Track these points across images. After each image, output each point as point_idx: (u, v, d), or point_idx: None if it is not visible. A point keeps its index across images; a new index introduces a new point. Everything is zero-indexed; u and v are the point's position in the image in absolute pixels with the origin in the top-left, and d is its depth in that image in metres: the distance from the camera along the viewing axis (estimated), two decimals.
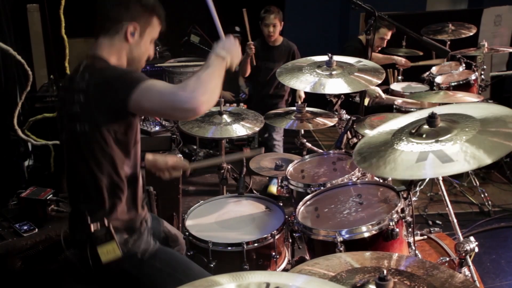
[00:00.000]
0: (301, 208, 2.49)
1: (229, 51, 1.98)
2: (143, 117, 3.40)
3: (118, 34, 1.93)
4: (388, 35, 4.95)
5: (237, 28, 5.59)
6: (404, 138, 2.00)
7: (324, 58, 3.09)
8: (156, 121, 3.49)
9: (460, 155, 1.78)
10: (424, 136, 1.95)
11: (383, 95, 4.89)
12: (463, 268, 2.32)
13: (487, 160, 1.71)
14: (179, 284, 1.20)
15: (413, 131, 2.00)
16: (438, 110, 2.11)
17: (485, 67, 4.68)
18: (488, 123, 1.90)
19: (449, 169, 1.78)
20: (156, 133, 3.43)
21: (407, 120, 2.16)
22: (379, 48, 5.04)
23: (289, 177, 2.83)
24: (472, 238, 2.30)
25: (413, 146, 1.92)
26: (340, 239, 2.13)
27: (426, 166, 1.80)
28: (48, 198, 2.76)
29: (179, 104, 1.73)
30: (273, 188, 4.42)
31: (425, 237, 2.95)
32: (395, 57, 5.38)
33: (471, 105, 2.11)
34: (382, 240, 2.15)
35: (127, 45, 1.95)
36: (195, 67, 4.84)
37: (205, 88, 1.77)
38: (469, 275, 2.41)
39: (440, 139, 1.90)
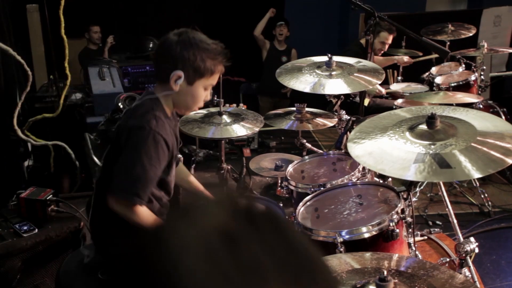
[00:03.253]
0: (301, 208, 2.48)
1: None
2: None
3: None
4: (389, 39, 4.94)
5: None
6: (402, 131, 2.02)
7: (324, 58, 3.10)
8: None
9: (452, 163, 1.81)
10: (420, 135, 1.98)
11: (383, 90, 4.91)
12: (464, 268, 2.31)
13: (476, 175, 1.79)
14: None
15: (412, 127, 2.03)
16: (439, 111, 2.12)
17: (484, 67, 4.68)
18: (486, 134, 1.92)
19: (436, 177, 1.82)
20: None
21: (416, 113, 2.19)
22: (381, 52, 5.03)
23: (289, 178, 2.83)
24: (472, 239, 2.29)
25: (407, 143, 1.94)
26: (340, 239, 2.13)
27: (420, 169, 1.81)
28: (48, 198, 2.76)
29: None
30: None
31: (425, 237, 2.94)
32: (396, 57, 5.39)
33: (473, 113, 2.12)
34: (382, 240, 2.15)
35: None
36: None
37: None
38: (470, 275, 2.41)
39: (435, 142, 1.92)
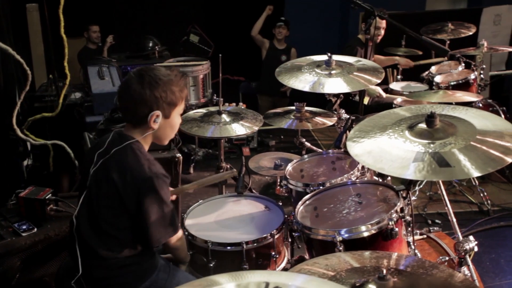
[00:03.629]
0: (300, 207, 2.49)
1: None
2: None
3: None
4: (383, 23, 4.92)
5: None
6: (401, 130, 2.02)
7: (324, 57, 3.10)
8: None
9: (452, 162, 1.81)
10: (419, 134, 1.98)
11: (384, 94, 4.90)
12: (463, 267, 2.31)
13: (475, 173, 1.79)
14: None
15: (411, 126, 2.03)
16: (438, 110, 2.12)
17: (484, 66, 4.68)
18: (485, 133, 1.92)
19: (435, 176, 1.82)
20: None
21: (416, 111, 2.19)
22: (379, 38, 5.00)
23: (288, 177, 2.82)
24: (471, 237, 2.29)
25: (406, 142, 1.95)
26: (339, 238, 2.13)
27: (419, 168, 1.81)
28: (47, 197, 2.75)
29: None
30: None
31: (425, 236, 2.94)
32: (397, 57, 5.39)
33: (472, 112, 2.12)
34: (382, 239, 2.15)
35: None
36: (194, 66, 4.84)
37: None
38: (469, 274, 2.41)
39: (434, 141, 1.92)
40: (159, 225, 2.04)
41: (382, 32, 4.99)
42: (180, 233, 2.17)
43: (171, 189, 2.42)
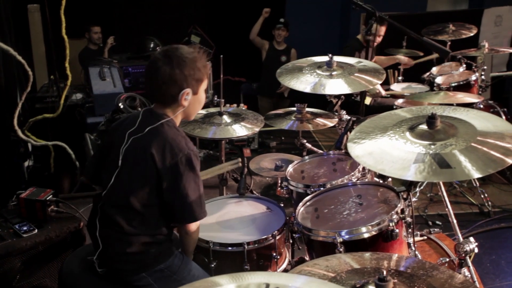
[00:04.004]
0: (300, 208, 2.49)
1: None
2: None
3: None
4: (382, 30, 4.93)
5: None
6: (402, 131, 2.02)
7: (325, 58, 3.10)
8: None
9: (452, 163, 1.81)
10: (420, 135, 1.98)
11: (383, 92, 4.91)
12: (463, 268, 2.31)
13: (476, 175, 1.79)
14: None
15: (412, 127, 2.03)
16: (439, 111, 2.12)
17: (485, 67, 4.68)
18: (486, 134, 1.92)
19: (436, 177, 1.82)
20: None
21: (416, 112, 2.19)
22: (375, 44, 5.00)
23: (289, 178, 2.83)
24: (472, 239, 2.29)
25: (407, 143, 1.96)
26: (339, 239, 2.13)
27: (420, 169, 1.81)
28: (48, 198, 2.75)
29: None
30: None
31: (425, 237, 2.94)
32: (398, 56, 5.38)
33: (473, 113, 2.12)
34: (382, 240, 2.15)
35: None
36: None
37: None
38: (469, 275, 2.41)
39: (434, 142, 1.92)
40: (195, 202, 2.09)
41: (379, 39, 5.00)
42: (199, 222, 2.20)
43: None
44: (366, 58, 3.56)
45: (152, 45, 5.76)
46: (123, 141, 2.12)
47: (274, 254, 2.44)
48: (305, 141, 3.49)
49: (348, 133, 2.99)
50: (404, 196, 2.28)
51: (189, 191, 2.07)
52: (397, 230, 2.13)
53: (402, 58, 5.35)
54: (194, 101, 2.20)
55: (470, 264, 2.39)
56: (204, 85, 2.21)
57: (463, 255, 2.26)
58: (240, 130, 3.09)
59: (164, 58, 2.09)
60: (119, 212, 2.10)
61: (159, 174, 2.05)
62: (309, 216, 2.43)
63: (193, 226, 2.17)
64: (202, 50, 2.21)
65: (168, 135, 2.08)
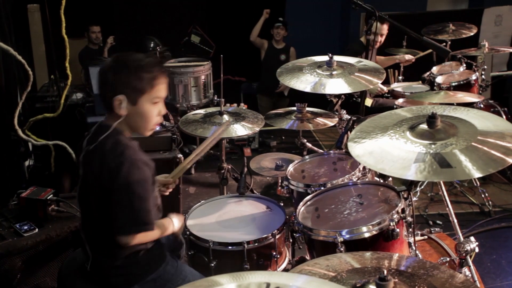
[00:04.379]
0: (301, 208, 2.49)
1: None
2: None
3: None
4: (384, 29, 4.92)
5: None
6: (402, 130, 2.02)
7: (325, 58, 3.10)
8: None
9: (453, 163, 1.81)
10: (420, 134, 1.98)
11: (385, 89, 4.91)
12: (464, 268, 2.31)
13: (477, 174, 1.79)
14: None
15: (413, 126, 2.03)
16: (439, 111, 2.12)
17: (485, 67, 4.67)
18: (486, 134, 1.92)
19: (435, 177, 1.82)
20: (156, 133, 3.43)
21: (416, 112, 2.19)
22: (378, 44, 5.00)
23: (289, 177, 2.83)
24: (472, 238, 2.29)
25: (407, 143, 1.96)
26: (340, 239, 2.13)
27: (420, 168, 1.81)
28: (48, 198, 2.76)
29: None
30: None
31: (426, 237, 2.94)
32: (397, 56, 5.38)
33: (473, 112, 2.12)
34: (383, 240, 2.15)
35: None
36: (196, 67, 4.84)
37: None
38: (470, 275, 2.41)
39: (435, 142, 1.92)
40: (124, 214, 1.94)
41: (383, 38, 5.00)
42: (149, 232, 2.02)
43: (165, 175, 2.38)
44: (367, 58, 3.56)
45: (152, 45, 5.76)
46: (81, 152, 2.06)
47: (274, 253, 2.44)
48: (305, 140, 3.49)
49: (349, 132, 2.99)
50: (405, 195, 2.28)
51: (118, 205, 1.94)
52: (397, 230, 2.13)
53: (401, 57, 5.35)
54: (134, 112, 2.01)
55: (470, 263, 2.39)
56: (149, 97, 2.01)
57: (464, 254, 2.26)
58: (240, 130, 3.09)
59: (110, 62, 2.02)
60: (96, 223, 2.06)
61: (102, 186, 1.97)
62: (309, 216, 2.43)
63: (123, 240, 1.98)
64: (158, 62, 2.05)
65: (108, 146, 1.98)
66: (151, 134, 2.16)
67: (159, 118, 2.09)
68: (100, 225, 2.04)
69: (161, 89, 2.05)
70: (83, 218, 2.14)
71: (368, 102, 4.84)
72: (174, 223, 2.21)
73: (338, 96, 3.34)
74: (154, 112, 2.05)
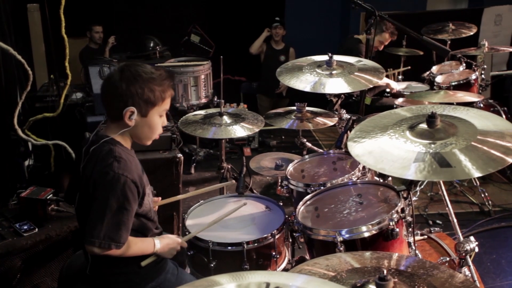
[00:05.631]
0: (301, 207, 2.49)
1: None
2: None
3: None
4: (388, 41, 4.96)
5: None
6: (402, 130, 2.02)
7: (324, 57, 3.10)
8: None
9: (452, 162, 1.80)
10: (420, 134, 1.98)
11: (391, 83, 4.91)
12: (463, 268, 2.31)
13: (476, 174, 1.78)
14: None
15: (412, 126, 2.03)
16: (439, 110, 2.12)
17: (485, 66, 4.67)
18: (486, 133, 1.92)
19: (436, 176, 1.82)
20: None
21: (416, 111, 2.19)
22: (375, 50, 5.00)
23: (289, 177, 2.83)
24: (472, 238, 2.29)
25: (407, 142, 1.96)
26: (340, 239, 2.13)
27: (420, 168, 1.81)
28: (48, 197, 2.76)
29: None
30: None
31: (425, 237, 2.94)
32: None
33: (473, 112, 2.12)
34: (382, 240, 2.15)
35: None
36: (195, 66, 4.84)
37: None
38: (469, 275, 2.41)
39: (435, 142, 1.92)
40: (97, 225, 1.91)
41: (381, 47, 5.02)
42: (117, 250, 1.96)
43: (158, 200, 2.41)
44: (366, 57, 3.56)
45: (152, 44, 5.76)
46: (82, 159, 2.05)
47: (274, 253, 2.44)
48: (305, 140, 3.49)
49: (348, 132, 2.99)
50: (404, 195, 2.28)
51: (95, 212, 1.92)
52: (397, 229, 2.13)
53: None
54: (143, 124, 2.04)
55: (470, 263, 2.39)
56: (159, 110, 2.05)
57: (464, 254, 2.26)
58: (240, 131, 3.09)
59: (118, 71, 2.00)
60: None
61: (88, 193, 1.97)
62: (309, 215, 2.43)
63: (87, 247, 1.94)
64: (167, 75, 2.06)
65: (100, 157, 1.97)
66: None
67: (161, 129, 2.13)
68: None
69: (168, 102, 2.10)
70: (81, 224, 2.14)
71: (368, 100, 4.84)
72: (156, 244, 2.11)
73: (338, 95, 3.34)
74: (159, 124, 2.10)
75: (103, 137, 2.03)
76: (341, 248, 2.11)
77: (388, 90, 5.07)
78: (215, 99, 4.85)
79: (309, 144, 3.51)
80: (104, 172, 1.92)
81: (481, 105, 4.46)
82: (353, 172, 2.69)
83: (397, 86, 5.01)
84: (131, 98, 1.97)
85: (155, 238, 2.14)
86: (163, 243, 2.15)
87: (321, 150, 3.33)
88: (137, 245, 2.05)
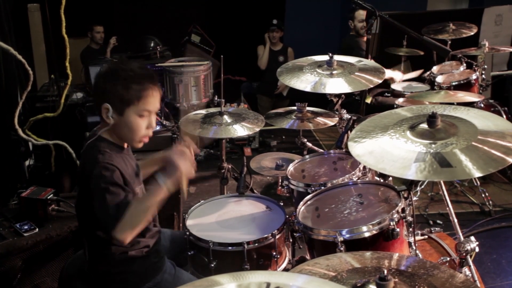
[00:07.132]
0: (301, 207, 2.49)
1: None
2: None
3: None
4: (362, 14, 5.00)
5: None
6: (403, 130, 2.02)
7: (325, 57, 3.10)
8: (156, 120, 3.48)
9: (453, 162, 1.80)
10: (421, 134, 1.98)
11: (397, 77, 4.91)
12: (464, 268, 2.31)
13: (477, 174, 1.78)
14: None
15: (413, 126, 2.03)
16: (440, 110, 2.12)
17: (486, 66, 4.67)
18: (487, 133, 1.92)
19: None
20: (156, 133, 3.43)
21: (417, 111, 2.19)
22: (364, 30, 4.99)
23: (289, 177, 2.82)
24: (472, 238, 2.29)
25: (407, 142, 1.96)
26: (340, 239, 2.13)
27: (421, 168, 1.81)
28: (48, 197, 2.76)
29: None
30: None
31: (426, 237, 2.94)
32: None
33: (474, 112, 2.12)
34: (383, 240, 2.15)
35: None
36: (196, 66, 4.84)
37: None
38: (470, 275, 2.41)
39: (435, 142, 1.92)
40: (106, 213, 1.89)
41: (361, 24, 5.11)
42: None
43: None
44: (366, 57, 3.55)
45: (152, 45, 5.76)
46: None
47: (274, 253, 2.44)
48: (305, 140, 3.49)
49: (349, 132, 2.99)
50: (405, 195, 2.28)
51: (103, 200, 1.90)
52: (398, 229, 2.13)
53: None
54: (121, 123, 1.99)
55: (471, 263, 2.40)
56: (136, 109, 1.98)
57: (464, 254, 2.26)
58: (240, 130, 3.09)
59: (106, 68, 2.02)
60: (90, 228, 2.06)
61: (85, 191, 1.98)
62: (309, 215, 2.43)
63: (118, 236, 1.87)
64: (149, 74, 2.02)
65: (92, 153, 1.98)
66: (146, 141, 2.11)
67: (148, 132, 2.06)
68: (93, 230, 2.05)
69: (150, 102, 2.01)
70: (80, 223, 2.15)
71: (368, 99, 4.84)
72: (167, 185, 1.95)
73: (338, 95, 3.34)
74: (141, 124, 2.02)
75: (93, 136, 2.05)
76: (342, 248, 2.11)
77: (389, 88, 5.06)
78: (216, 98, 4.85)
79: (309, 144, 3.51)
80: (92, 167, 1.93)
81: (482, 105, 4.46)
82: (353, 172, 2.69)
83: (402, 76, 4.98)
84: (107, 94, 1.96)
85: (158, 178, 1.96)
86: (168, 178, 1.96)
87: (321, 150, 3.32)
88: (146, 204, 1.93)
